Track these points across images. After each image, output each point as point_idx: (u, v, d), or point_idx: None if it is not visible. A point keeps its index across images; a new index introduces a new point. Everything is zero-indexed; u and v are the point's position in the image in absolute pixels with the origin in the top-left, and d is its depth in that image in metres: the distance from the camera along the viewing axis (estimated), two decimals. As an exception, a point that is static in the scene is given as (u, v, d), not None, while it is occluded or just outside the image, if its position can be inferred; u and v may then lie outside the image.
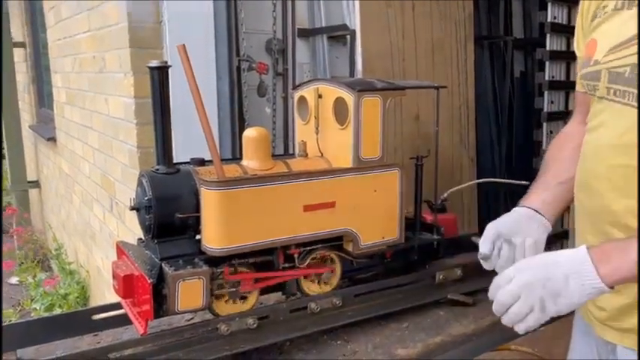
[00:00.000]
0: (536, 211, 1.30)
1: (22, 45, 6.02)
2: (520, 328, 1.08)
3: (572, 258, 1.04)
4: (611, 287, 1.02)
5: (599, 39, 1.14)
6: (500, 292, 1.08)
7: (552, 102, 3.68)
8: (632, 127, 1.04)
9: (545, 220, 1.29)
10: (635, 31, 1.04)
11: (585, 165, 1.23)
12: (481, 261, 1.24)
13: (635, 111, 1.04)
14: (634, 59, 1.04)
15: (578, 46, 1.28)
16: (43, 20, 4.62)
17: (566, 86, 3.71)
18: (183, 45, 1.17)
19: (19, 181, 5.99)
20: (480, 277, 1.63)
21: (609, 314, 1.18)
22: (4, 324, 1.35)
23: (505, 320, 1.09)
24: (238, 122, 2.62)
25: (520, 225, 1.28)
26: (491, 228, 1.30)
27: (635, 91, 1.04)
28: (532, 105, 4.15)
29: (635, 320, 1.11)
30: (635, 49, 1.04)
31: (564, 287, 1.03)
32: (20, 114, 6.17)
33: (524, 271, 1.08)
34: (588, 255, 1.03)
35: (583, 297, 1.03)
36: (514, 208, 1.33)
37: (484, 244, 1.25)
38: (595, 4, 1.19)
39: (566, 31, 3.67)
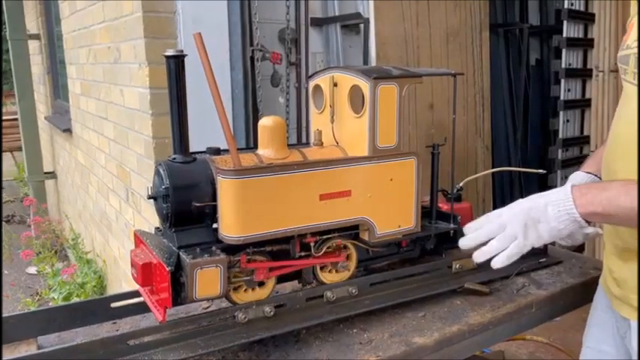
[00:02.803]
0: (590, 174, 1.44)
1: (36, 37, 6.06)
2: (497, 261, 1.21)
3: (556, 192, 1.18)
4: (587, 221, 1.15)
5: (635, 23, 1.14)
6: (488, 224, 1.23)
7: (569, 90, 3.64)
8: None
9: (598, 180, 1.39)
10: None
11: (609, 148, 1.23)
12: None
13: None
14: None
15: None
16: (57, 12, 4.64)
17: (583, 74, 3.66)
18: (199, 33, 1.17)
19: (35, 172, 6.07)
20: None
21: (624, 292, 1.20)
22: (24, 312, 1.37)
23: (482, 251, 1.22)
24: (252, 112, 2.62)
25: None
26: None
27: None
28: (548, 93, 4.11)
29: None
30: None
31: (543, 213, 1.17)
32: (36, 105, 6.23)
33: (513, 206, 1.23)
34: (570, 190, 1.16)
35: (560, 223, 1.15)
36: (570, 176, 1.49)
37: None
38: None
39: (584, 17, 3.61)
